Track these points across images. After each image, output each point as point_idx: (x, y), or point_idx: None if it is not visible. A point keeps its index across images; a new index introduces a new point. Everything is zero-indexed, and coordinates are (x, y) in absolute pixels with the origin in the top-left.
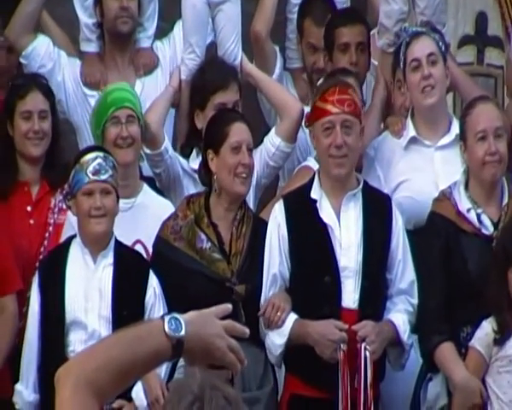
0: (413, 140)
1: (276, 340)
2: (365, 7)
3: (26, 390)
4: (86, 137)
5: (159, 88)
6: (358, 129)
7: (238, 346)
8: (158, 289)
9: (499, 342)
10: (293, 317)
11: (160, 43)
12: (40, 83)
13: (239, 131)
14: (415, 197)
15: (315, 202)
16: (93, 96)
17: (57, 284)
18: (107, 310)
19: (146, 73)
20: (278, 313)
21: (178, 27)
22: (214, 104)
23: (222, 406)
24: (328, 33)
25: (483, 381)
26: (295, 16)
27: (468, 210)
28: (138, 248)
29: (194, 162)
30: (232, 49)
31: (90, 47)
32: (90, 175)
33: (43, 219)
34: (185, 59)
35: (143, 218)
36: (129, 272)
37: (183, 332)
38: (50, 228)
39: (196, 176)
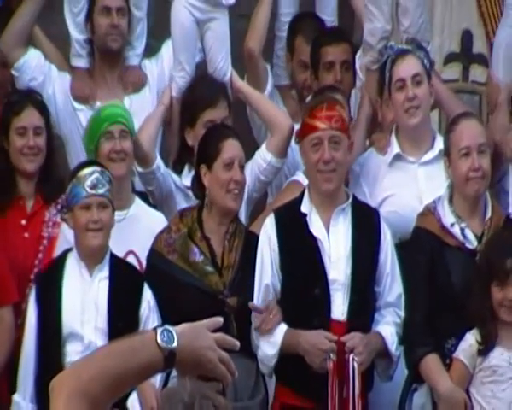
0: (397, 157)
1: (269, 351)
2: (353, 25)
3: (23, 401)
4: (76, 151)
5: (146, 105)
6: (346, 144)
7: (229, 358)
8: (152, 302)
9: (483, 352)
10: (284, 327)
11: (148, 62)
12: (35, 99)
13: (231, 148)
14: (399, 212)
15: (305, 216)
16: (82, 111)
17: (54, 296)
18: (102, 322)
19: (134, 91)
20: (271, 316)
21: (167, 46)
22: (204, 121)
23: None
24: (314, 52)
25: (467, 391)
26: (284, 34)
27: (452, 224)
28: (131, 258)
29: (187, 179)
30: (221, 66)
31: (80, 62)
32: (88, 189)
33: (37, 232)
34: (175, 77)
35: (135, 229)
36: (124, 285)
37: (175, 344)
38: (45, 241)
39: (188, 192)
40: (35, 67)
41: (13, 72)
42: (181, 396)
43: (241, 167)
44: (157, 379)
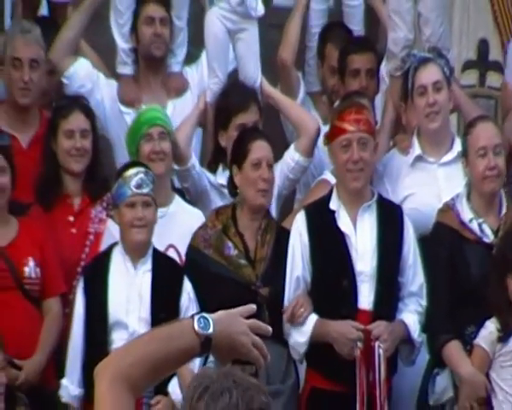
0: (418, 157)
1: (300, 339)
2: (378, 34)
3: (71, 385)
4: (123, 152)
5: (188, 109)
6: (372, 145)
7: (261, 342)
8: (191, 294)
9: (502, 339)
10: (314, 317)
11: (189, 69)
12: (82, 104)
13: (259, 149)
14: (420, 209)
15: (333, 212)
16: (128, 114)
17: (101, 287)
18: (146, 312)
19: (177, 95)
20: (301, 309)
21: (205, 54)
22: (236, 125)
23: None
24: (342, 59)
25: (487, 375)
26: (315, 44)
27: (470, 220)
28: (171, 252)
29: (221, 177)
30: (252, 73)
31: (126, 69)
32: (133, 188)
33: (84, 228)
34: (209, 83)
35: (175, 225)
36: (166, 278)
37: (211, 330)
38: (91, 237)
39: (222, 189)
40: (84, 75)
41: (63, 79)
42: (209, 374)
43: (270, 166)
44: (196, 364)
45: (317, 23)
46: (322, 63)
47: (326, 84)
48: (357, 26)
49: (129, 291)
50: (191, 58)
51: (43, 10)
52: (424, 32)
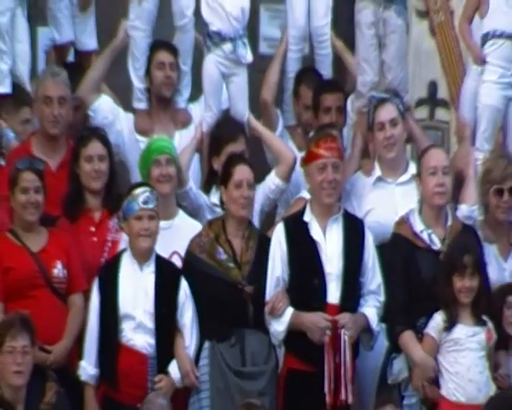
0: (379, 179)
1: (279, 328)
2: (344, 77)
3: (89, 366)
4: (137, 174)
5: (190, 141)
6: (342, 168)
7: None
8: (187, 291)
9: (447, 329)
10: (290, 310)
11: (192, 105)
12: (99, 134)
13: (241, 172)
14: (380, 221)
15: (307, 223)
16: (142, 142)
17: (112, 285)
18: (150, 306)
19: (182, 127)
20: (280, 303)
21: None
22: (227, 152)
23: None
24: (315, 98)
25: (435, 358)
26: (291, 86)
27: (421, 231)
28: (175, 258)
29: (214, 196)
30: (241, 110)
31: (141, 105)
32: (141, 204)
33: (103, 237)
34: (205, 117)
35: (179, 235)
36: (166, 278)
37: None
38: (109, 244)
39: (214, 208)
40: (107, 109)
41: (89, 112)
42: None
43: (249, 186)
44: (191, 350)
45: (292, 69)
46: (297, 101)
47: (300, 119)
48: (326, 71)
49: (136, 289)
50: (194, 98)
51: (71, 57)
52: (387, 77)
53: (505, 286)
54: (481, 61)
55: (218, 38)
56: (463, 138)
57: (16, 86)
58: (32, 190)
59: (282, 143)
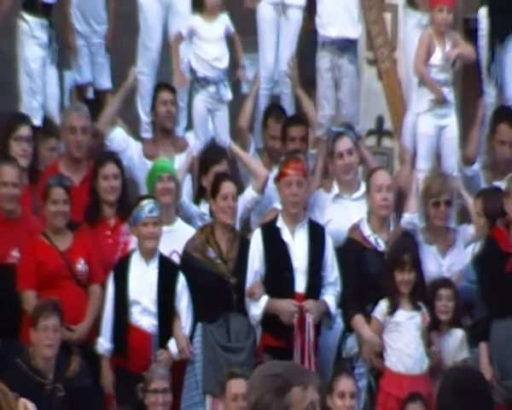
0: (337, 195)
1: (256, 311)
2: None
3: (105, 342)
4: (144, 189)
5: (184, 162)
6: (306, 185)
7: None
8: (184, 283)
9: (390, 313)
10: (266, 297)
11: (188, 134)
12: (114, 157)
13: (227, 187)
14: (338, 229)
15: (279, 228)
16: (149, 164)
17: (124, 278)
18: (154, 295)
19: (181, 152)
20: (257, 291)
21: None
22: (213, 172)
23: None
24: (283, 129)
25: (380, 337)
26: (261, 118)
27: (369, 235)
28: (174, 255)
29: (203, 207)
30: (224, 138)
31: (148, 135)
32: (147, 213)
33: (117, 239)
34: (195, 144)
35: (178, 237)
36: (167, 272)
37: None
38: (122, 245)
39: (203, 217)
40: (120, 139)
41: (106, 142)
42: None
43: (234, 198)
44: (186, 330)
45: (262, 104)
46: (264, 131)
47: (266, 145)
48: (289, 107)
49: (142, 280)
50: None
51: (90, 94)
52: (342, 112)
53: (437, 280)
54: (443, 100)
55: (204, 82)
56: (404, 161)
57: (46, 120)
58: (60, 202)
59: (258, 163)
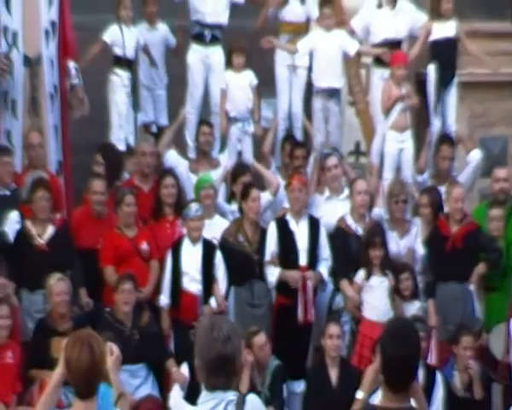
0: (328, 197)
1: (272, 279)
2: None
3: (164, 298)
4: (190, 195)
5: (220, 175)
6: (306, 191)
7: None
8: (220, 258)
9: (366, 278)
10: (278, 269)
11: (221, 155)
12: (171, 172)
13: (254, 193)
14: (328, 221)
15: (287, 221)
16: (193, 177)
17: (177, 255)
18: (199, 267)
19: (215, 169)
20: (273, 263)
21: (223, 155)
22: (241, 181)
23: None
24: (291, 153)
25: (360, 295)
26: (279, 145)
27: (351, 225)
28: (214, 240)
29: (234, 206)
30: (248, 157)
31: (192, 155)
32: (193, 212)
33: (174, 230)
34: (228, 162)
35: (216, 227)
36: (208, 251)
37: None
38: (177, 234)
39: (234, 213)
40: (173, 159)
41: (163, 160)
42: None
43: (258, 200)
44: (222, 291)
45: (280, 135)
46: (282, 152)
47: (284, 163)
48: (299, 137)
49: (191, 256)
50: (222, 150)
51: (154, 129)
52: (330, 139)
53: (398, 266)
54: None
55: (234, 120)
56: (371, 173)
57: (128, 147)
58: (132, 205)
59: (272, 176)
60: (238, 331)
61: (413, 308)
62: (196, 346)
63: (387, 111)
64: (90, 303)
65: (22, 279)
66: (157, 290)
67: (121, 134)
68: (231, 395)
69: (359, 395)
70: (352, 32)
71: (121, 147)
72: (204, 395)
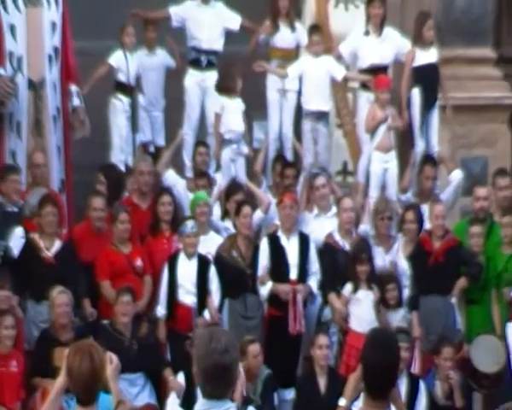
0: (316, 214)
1: (264, 292)
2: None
3: (161, 309)
4: (187, 212)
5: (215, 193)
6: (296, 208)
7: None
8: (214, 272)
9: (354, 292)
10: (270, 282)
11: (217, 174)
12: (168, 191)
13: (246, 210)
14: (317, 238)
15: (279, 237)
16: (190, 195)
17: (173, 269)
18: (194, 280)
19: (211, 187)
20: (265, 278)
21: (219, 174)
22: (234, 199)
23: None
24: (282, 172)
25: (347, 308)
26: (270, 165)
27: (339, 241)
28: (209, 255)
29: (227, 223)
30: (241, 177)
31: (190, 175)
32: (189, 228)
33: (170, 245)
34: (222, 182)
35: (210, 243)
36: (202, 265)
37: None
38: (173, 249)
39: (227, 230)
40: (171, 179)
41: (162, 179)
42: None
43: (250, 217)
44: (216, 304)
45: (271, 155)
46: (273, 172)
47: (275, 182)
48: (289, 157)
49: (186, 270)
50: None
51: (151, 149)
52: (318, 159)
53: (384, 276)
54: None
55: (228, 142)
56: (357, 191)
57: (127, 167)
58: (125, 222)
59: (264, 194)
60: (235, 343)
61: (398, 316)
62: (195, 355)
63: (372, 131)
64: (93, 313)
65: (28, 290)
66: (151, 303)
67: (122, 156)
68: (230, 407)
69: (342, 402)
70: (339, 57)
71: (121, 168)
72: (201, 402)
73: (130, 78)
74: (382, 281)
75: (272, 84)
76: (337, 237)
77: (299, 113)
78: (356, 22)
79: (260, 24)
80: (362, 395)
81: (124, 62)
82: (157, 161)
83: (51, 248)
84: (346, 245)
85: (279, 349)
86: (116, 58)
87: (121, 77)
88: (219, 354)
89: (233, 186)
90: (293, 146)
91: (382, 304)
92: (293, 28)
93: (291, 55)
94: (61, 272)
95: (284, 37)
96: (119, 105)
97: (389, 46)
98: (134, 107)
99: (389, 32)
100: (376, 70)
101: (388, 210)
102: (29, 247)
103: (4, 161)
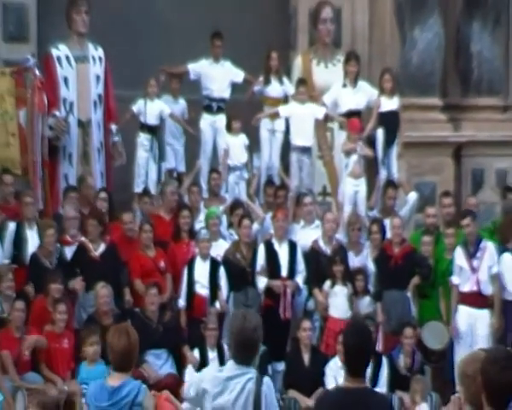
0: (303, 226)
1: (261, 285)
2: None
3: (182, 301)
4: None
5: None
6: (286, 221)
7: None
8: (223, 271)
9: (331, 287)
10: (266, 279)
11: (226, 195)
12: (187, 206)
13: (246, 222)
14: (304, 245)
15: (273, 243)
16: (205, 211)
17: (191, 268)
18: (206, 277)
19: (222, 204)
20: (262, 273)
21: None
22: (236, 214)
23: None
24: (275, 193)
25: (327, 300)
26: (262, 186)
27: (322, 246)
28: (219, 257)
29: (232, 232)
30: (243, 196)
31: (205, 195)
32: (203, 235)
33: (189, 250)
34: (228, 200)
35: (220, 248)
36: (214, 265)
37: None
38: (191, 253)
39: (231, 236)
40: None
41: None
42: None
43: (249, 228)
44: (224, 296)
45: (263, 179)
46: (265, 193)
47: (266, 201)
48: (276, 182)
49: (201, 269)
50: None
51: (174, 174)
52: (303, 183)
53: (355, 270)
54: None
55: (233, 169)
56: (339, 209)
57: (145, 189)
58: (148, 232)
59: (260, 211)
60: (261, 324)
61: (365, 302)
62: (230, 330)
63: (346, 153)
64: (130, 301)
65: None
66: (172, 296)
67: (139, 179)
68: (251, 373)
69: None
70: (323, 106)
71: (138, 189)
72: (231, 363)
73: (147, 120)
74: (353, 274)
75: (264, 125)
76: (321, 244)
77: (286, 148)
78: (334, 77)
79: (257, 78)
80: (343, 374)
81: (143, 108)
82: (179, 184)
83: (97, 249)
84: (328, 250)
85: (272, 331)
86: (137, 105)
87: (141, 119)
88: (251, 331)
89: (236, 203)
90: (279, 174)
91: (353, 294)
92: (281, 82)
93: (280, 103)
94: (104, 268)
95: (274, 88)
96: (139, 141)
97: (362, 95)
98: (160, 141)
99: (362, 84)
100: (352, 114)
101: (358, 223)
102: (81, 248)
103: (59, 183)
